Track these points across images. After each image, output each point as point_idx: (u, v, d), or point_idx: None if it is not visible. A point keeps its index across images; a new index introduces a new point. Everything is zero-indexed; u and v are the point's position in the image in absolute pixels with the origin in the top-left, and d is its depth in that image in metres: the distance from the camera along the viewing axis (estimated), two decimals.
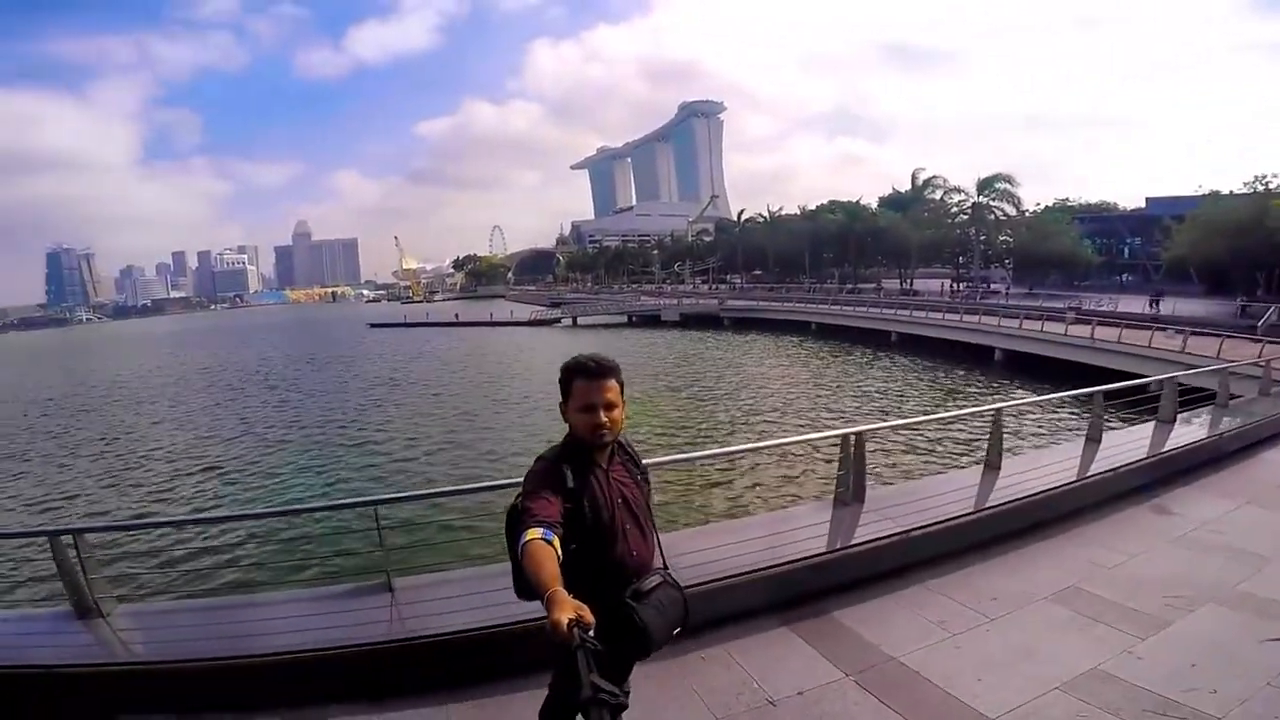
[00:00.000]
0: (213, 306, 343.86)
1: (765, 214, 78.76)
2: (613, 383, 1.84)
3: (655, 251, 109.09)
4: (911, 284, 55.23)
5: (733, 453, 8.71)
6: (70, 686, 2.84)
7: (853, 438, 4.54)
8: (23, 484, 14.43)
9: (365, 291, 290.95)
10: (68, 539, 3.33)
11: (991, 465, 5.32)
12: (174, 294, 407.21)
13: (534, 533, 1.59)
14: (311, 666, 2.91)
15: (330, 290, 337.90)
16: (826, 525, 4.30)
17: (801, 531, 4.12)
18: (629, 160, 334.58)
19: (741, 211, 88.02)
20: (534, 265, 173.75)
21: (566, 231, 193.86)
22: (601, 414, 1.81)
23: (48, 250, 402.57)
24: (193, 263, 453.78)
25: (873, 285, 57.94)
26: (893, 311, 34.43)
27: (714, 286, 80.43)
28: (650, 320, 51.62)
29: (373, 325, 65.41)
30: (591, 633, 1.28)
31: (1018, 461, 5.83)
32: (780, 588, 3.59)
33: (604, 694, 1.12)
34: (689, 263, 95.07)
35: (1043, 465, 5.50)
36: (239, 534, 9.34)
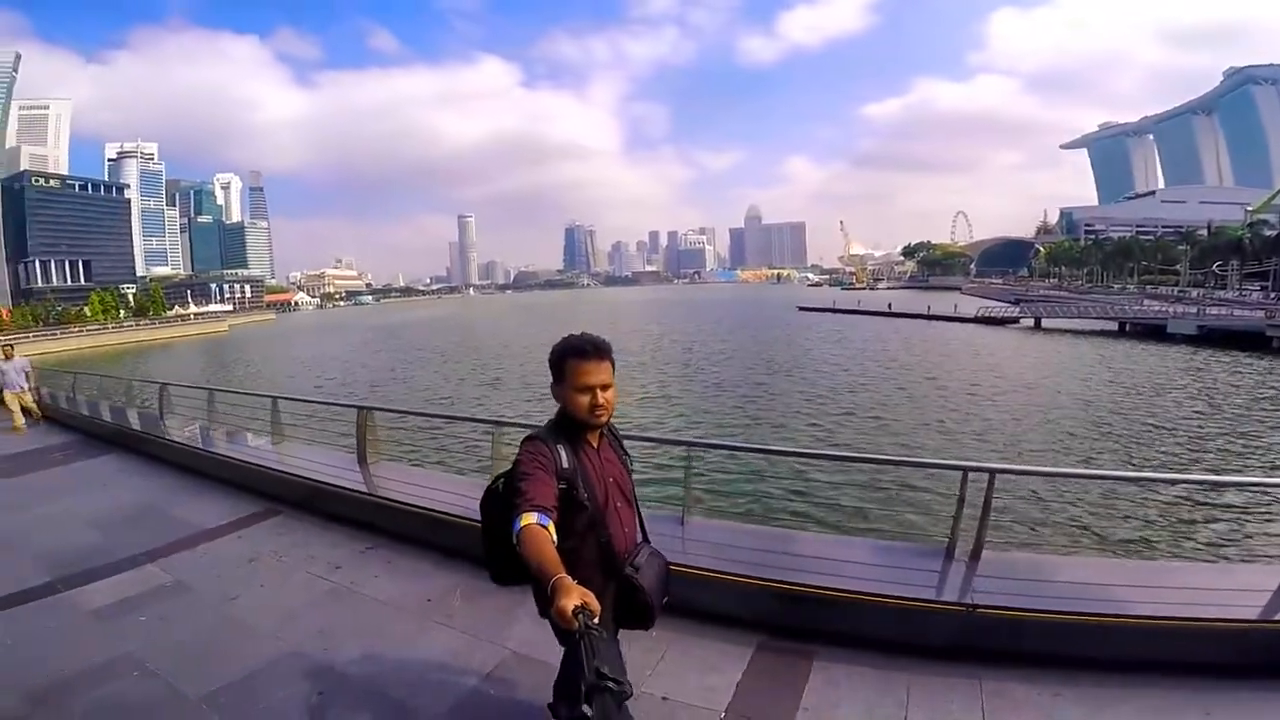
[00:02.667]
0: (675, 281, 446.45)
1: None
2: (607, 364, 2.04)
3: (1184, 246, 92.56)
4: None
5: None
6: None
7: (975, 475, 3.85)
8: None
9: (809, 275, 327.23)
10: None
11: None
12: (648, 268, 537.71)
13: (529, 518, 1.76)
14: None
15: (775, 271, 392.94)
16: None
17: None
18: (1150, 138, 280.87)
19: None
20: (1003, 256, 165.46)
21: (1052, 219, 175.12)
22: (599, 395, 2.01)
23: (566, 226, 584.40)
24: (663, 241, 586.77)
25: None
26: None
27: (1273, 294, 65.19)
28: (1150, 332, 44.25)
29: (801, 308, 77.57)
30: (596, 620, 1.41)
31: None
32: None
33: (608, 681, 1.23)
34: (1236, 263, 77.73)
35: None
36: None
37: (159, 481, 7.91)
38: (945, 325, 55.41)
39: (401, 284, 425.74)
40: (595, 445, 2.12)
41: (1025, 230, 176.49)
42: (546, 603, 1.53)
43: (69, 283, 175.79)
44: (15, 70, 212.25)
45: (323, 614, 4.27)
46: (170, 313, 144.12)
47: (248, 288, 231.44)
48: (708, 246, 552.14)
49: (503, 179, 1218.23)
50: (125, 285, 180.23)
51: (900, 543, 4.32)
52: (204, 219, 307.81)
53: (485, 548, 2.18)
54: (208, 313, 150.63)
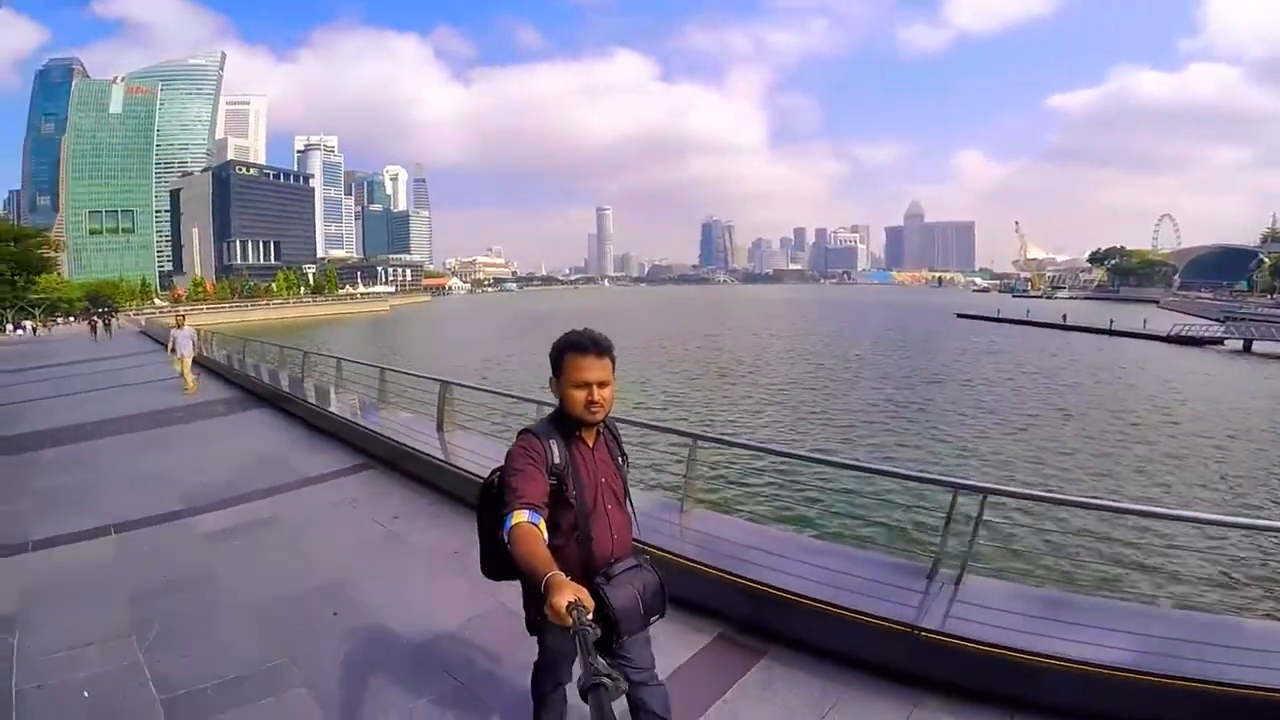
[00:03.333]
0: (822, 281, 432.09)
1: None
2: (607, 361, 2.05)
3: None
4: None
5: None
6: None
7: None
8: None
9: (977, 279, 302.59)
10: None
11: None
12: (791, 266, 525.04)
13: (520, 515, 1.79)
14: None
15: (936, 274, 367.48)
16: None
17: None
18: None
19: None
20: (1216, 266, 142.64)
21: None
22: (595, 391, 2.02)
23: (703, 221, 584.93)
24: (810, 238, 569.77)
25: None
26: None
27: None
28: None
29: (959, 315, 71.89)
30: (590, 616, 1.44)
31: None
32: None
33: (603, 678, 1.23)
34: None
35: None
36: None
37: (290, 435, 9.47)
38: (1128, 343, 48.69)
39: (543, 273, 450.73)
40: (590, 444, 2.13)
41: (1249, 238, 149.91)
42: (539, 600, 1.56)
43: (262, 261, 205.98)
44: (221, 69, 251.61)
45: (368, 554, 5.13)
46: (341, 291, 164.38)
47: (408, 271, 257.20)
48: (860, 245, 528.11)
49: (640, 172, 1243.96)
50: (307, 266, 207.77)
51: (890, 557, 4.17)
52: (375, 207, 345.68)
53: (481, 542, 2.24)
54: (372, 293, 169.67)
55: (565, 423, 2.09)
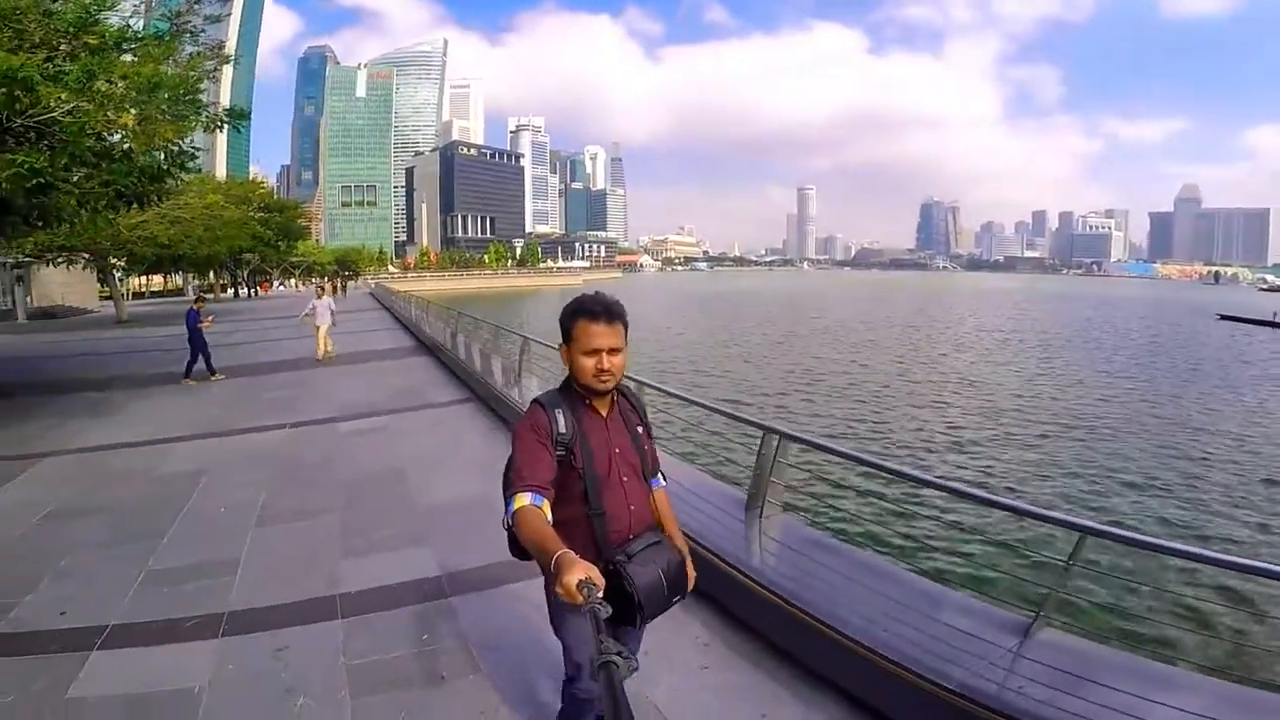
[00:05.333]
0: (1065, 271, 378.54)
1: None
2: (618, 327, 2.01)
3: None
4: None
5: None
6: None
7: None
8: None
9: (1268, 276, 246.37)
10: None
11: None
12: (1028, 253, 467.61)
13: (522, 499, 1.79)
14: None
15: (1212, 269, 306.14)
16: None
17: None
18: None
19: None
20: None
21: None
22: (605, 358, 1.98)
23: (922, 202, 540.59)
24: (1052, 223, 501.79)
25: None
26: None
27: None
28: None
29: (1222, 317, 58.22)
30: (600, 594, 1.45)
31: None
32: None
33: (613, 656, 1.25)
34: None
35: None
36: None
37: (436, 375, 11.95)
38: None
39: (736, 253, 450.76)
40: (604, 413, 2.10)
41: None
42: (552, 580, 1.57)
43: (479, 235, 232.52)
44: (445, 55, 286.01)
45: (438, 456, 6.89)
46: (541, 265, 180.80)
47: (603, 248, 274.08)
48: (1115, 232, 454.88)
49: (847, 150, 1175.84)
50: (516, 240, 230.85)
51: (979, 603, 3.32)
52: (576, 185, 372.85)
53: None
54: (567, 267, 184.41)
55: (575, 391, 2.07)
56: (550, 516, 1.80)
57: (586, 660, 2.10)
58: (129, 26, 9.29)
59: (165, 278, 60.59)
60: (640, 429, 2.20)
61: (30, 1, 8.09)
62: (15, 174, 7.57)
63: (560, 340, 2.07)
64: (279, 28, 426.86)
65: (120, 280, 34.90)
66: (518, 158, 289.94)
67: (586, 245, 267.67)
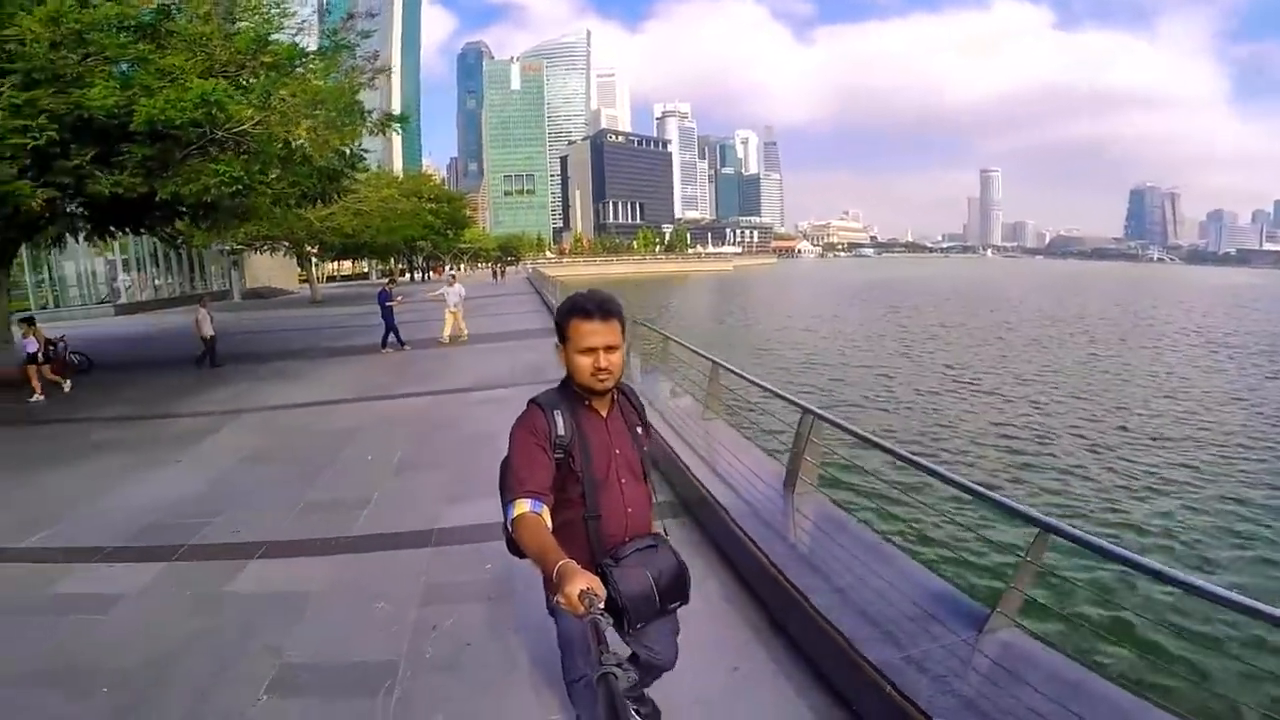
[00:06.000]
0: None
1: None
2: (614, 324, 1.97)
3: None
4: None
5: None
6: None
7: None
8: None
9: None
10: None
11: None
12: (1267, 246, 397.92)
13: (522, 505, 1.78)
14: None
15: None
16: None
17: None
18: None
19: None
20: None
21: None
22: (602, 356, 1.94)
23: (1132, 188, 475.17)
24: None
25: None
26: None
27: None
28: None
29: None
30: (602, 605, 1.46)
31: None
32: None
33: (612, 669, 1.25)
34: None
35: None
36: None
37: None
38: None
39: (908, 239, 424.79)
40: (603, 413, 2.08)
41: None
42: (552, 589, 1.58)
43: (629, 221, 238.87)
44: (588, 45, 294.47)
45: None
46: (689, 251, 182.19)
47: (756, 234, 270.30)
48: None
49: (1035, 131, 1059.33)
50: (665, 225, 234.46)
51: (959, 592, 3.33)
52: (726, 170, 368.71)
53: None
54: (717, 253, 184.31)
55: (573, 391, 2.05)
56: (550, 523, 1.80)
57: (569, 651, 2.23)
58: (296, 44, 10.95)
59: (353, 263, 69.29)
60: (640, 429, 2.19)
61: (214, 28, 9.88)
62: (219, 181, 9.36)
63: (556, 340, 2.05)
64: (437, 27, 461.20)
65: (315, 265, 40.40)
66: (665, 144, 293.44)
67: (738, 231, 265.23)
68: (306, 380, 11.78)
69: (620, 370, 2.01)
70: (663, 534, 2.15)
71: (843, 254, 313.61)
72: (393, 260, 56.99)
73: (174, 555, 4.52)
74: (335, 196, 15.60)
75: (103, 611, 3.78)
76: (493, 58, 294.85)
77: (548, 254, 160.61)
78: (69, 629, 3.62)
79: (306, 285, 38.85)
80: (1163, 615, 6.14)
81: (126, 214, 11.99)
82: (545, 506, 1.81)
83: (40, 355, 10.95)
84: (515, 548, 1.94)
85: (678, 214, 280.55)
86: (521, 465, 1.88)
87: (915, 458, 3.48)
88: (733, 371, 6.14)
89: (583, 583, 1.47)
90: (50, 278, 30.58)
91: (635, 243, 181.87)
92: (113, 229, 13.33)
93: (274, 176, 10.94)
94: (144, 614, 3.76)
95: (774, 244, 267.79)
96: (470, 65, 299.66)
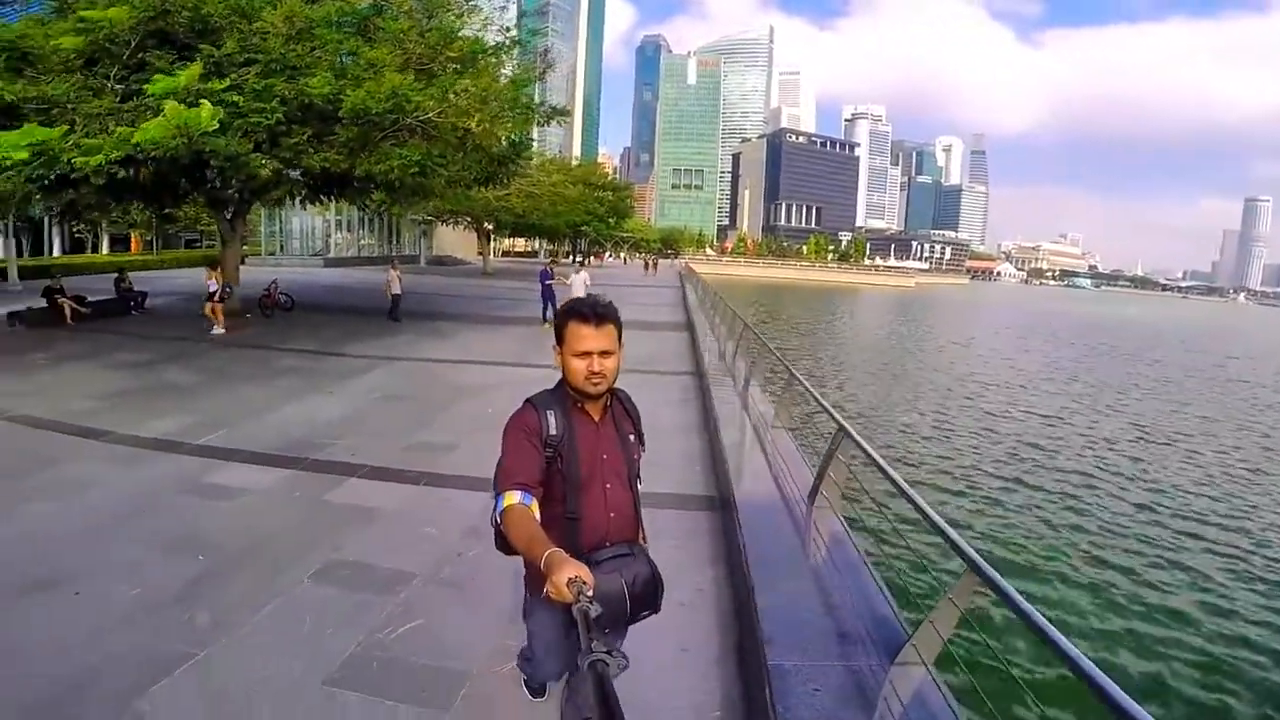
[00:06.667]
0: None
1: None
2: (609, 329, 2.03)
3: None
4: None
5: None
6: None
7: None
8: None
9: None
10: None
11: None
12: None
13: (511, 497, 1.86)
14: None
15: None
16: None
17: None
18: None
19: None
20: None
21: None
22: (596, 360, 2.00)
23: None
24: None
25: None
26: None
27: None
28: None
29: None
30: (591, 593, 1.49)
31: None
32: None
33: (603, 656, 1.28)
34: None
35: None
36: None
37: (679, 349, 13.45)
38: None
39: (1138, 272, 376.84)
40: (596, 418, 2.15)
41: None
42: (539, 580, 1.63)
43: (802, 225, 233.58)
44: (771, 42, 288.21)
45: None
46: (866, 262, 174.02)
47: (948, 250, 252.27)
48: None
49: None
50: (843, 233, 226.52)
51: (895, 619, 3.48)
52: (923, 179, 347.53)
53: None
54: (898, 267, 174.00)
55: (568, 394, 2.12)
56: (538, 515, 1.85)
57: (541, 650, 2.36)
58: (479, 40, 12.58)
59: (526, 241, 74.90)
60: (633, 436, 2.24)
61: (410, 25, 11.64)
62: (402, 163, 11.13)
63: (554, 343, 2.11)
64: (619, 18, 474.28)
65: (491, 240, 44.43)
66: (851, 146, 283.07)
67: (927, 245, 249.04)
68: (458, 340, 13.63)
69: (614, 375, 2.07)
70: (642, 543, 2.23)
71: (1051, 282, 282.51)
72: (557, 242, 60.92)
73: (299, 465, 5.76)
74: (506, 180, 17.57)
75: (230, 499, 5.02)
76: (670, 51, 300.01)
77: (707, 251, 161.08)
78: (200, 510, 4.84)
79: (481, 257, 42.76)
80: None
81: (333, 184, 14.41)
82: (535, 500, 1.88)
83: (219, 294, 13.25)
84: (503, 544, 2.08)
85: (859, 221, 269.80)
86: (513, 460, 1.97)
87: (908, 489, 3.34)
88: (800, 382, 6.30)
89: (572, 571, 1.51)
90: (280, 230, 37.05)
91: (805, 248, 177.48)
92: (322, 196, 16.03)
93: (449, 161, 12.72)
94: (257, 507, 4.96)
95: (969, 263, 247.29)
96: (648, 58, 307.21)
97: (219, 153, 9.36)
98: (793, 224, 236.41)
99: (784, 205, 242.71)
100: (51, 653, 3.23)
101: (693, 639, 3.53)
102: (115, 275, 16.44)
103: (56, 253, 34.69)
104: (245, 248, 38.03)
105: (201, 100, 8.61)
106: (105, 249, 37.93)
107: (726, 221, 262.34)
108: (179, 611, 3.57)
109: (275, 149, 10.97)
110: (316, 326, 14.51)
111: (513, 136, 14.39)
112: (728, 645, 3.54)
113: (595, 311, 2.01)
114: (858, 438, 4.26)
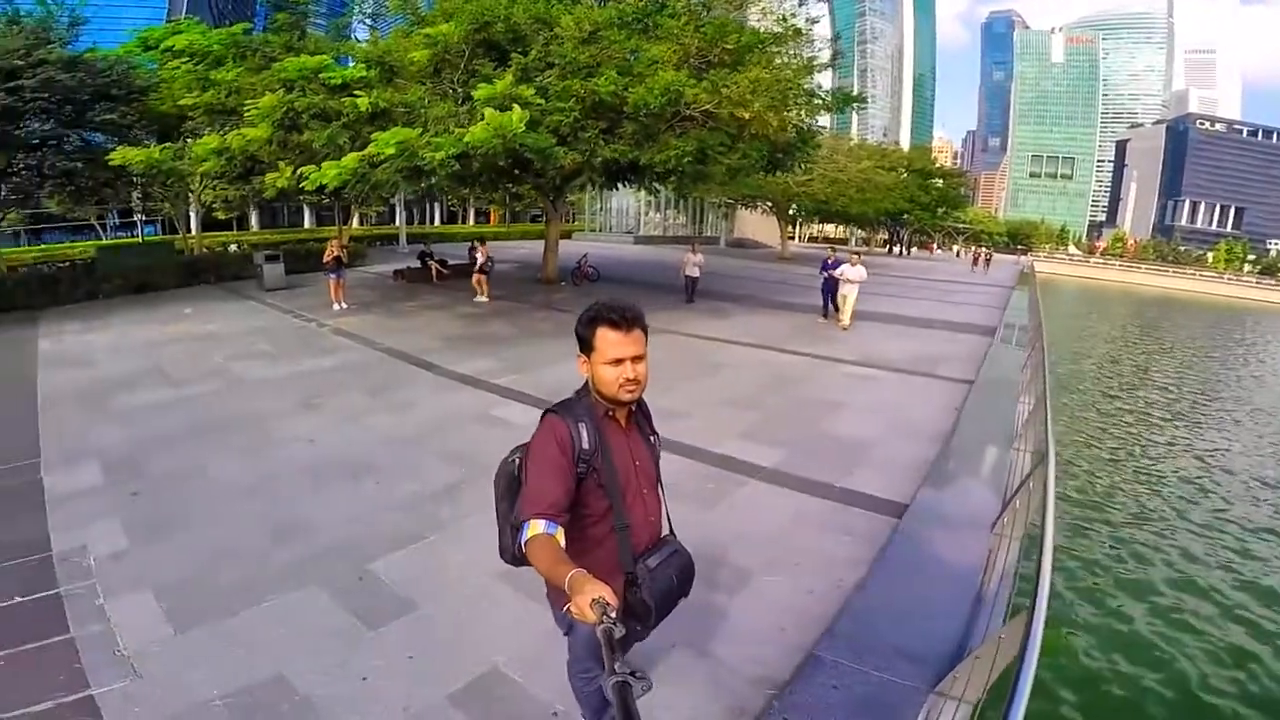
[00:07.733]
0: None
1: None
2: (638, 333, 2.03)
3: None
4: None
5: None
6: None
7: None
8: None
9: None
10: None
11: None
12: None
13: (536, 527, 1.82)
14: None
15: None
16: None
17: None
18: None
19: None
20: None
21: None
22: (630, 367, 2.00)
23: None
24: None
25: None
26: None
27: None
28: None
29: None
30: (615, 614, 1.50)
31: None
32: None
33: (628, 676, 1.30)
34: None
35: None
36: None
37: (966, 351, 12.22)
38: None
39: None
40: (624, 424, 2.12)
41: None
42: (562, 599, 1.66)
43: (1212, 227, 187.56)
44: (1170, 15, 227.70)
45: (877, 406, 8.36)
46: None
47: None
48: None
49: None
50: (1271, 240, 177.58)
51: None
52: None
53: (499, 527, 2.23)
54: None
55: (595, 402, 2.08)
56: (564, 543, 1.84)
57: (585, 655, 2.35)
58: (756, 32, 13.05)
59: (835, 228, 72.42)
60: (653, 436, 2.26)
61: (684, 22, 12.62)
62: (678, 153, 12.19)
63: (578, 350, 2.08)
64: None
65: (797, 224, 44.64)
66: None
67: None
68: (731, 320, 14.52)
69: (645, 382, 2.07)
70: (673, 535, 2.29)
71: None
72: (870, 230, 58.12)
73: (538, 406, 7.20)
74: (791, 167, 17.92)
75: (502, 429, 6.71)
76: (1027, 27, 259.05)
77: (1070, 249, 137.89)
78: (479, 435, 6.71)
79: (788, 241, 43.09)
80: None
81: (624, 172, 16.18)
82: (560, 528, 1.86)
83: (484, 267, 15.40)
84: (510, 557, 2.16)
85: None
86: (538, 484, 1.92)
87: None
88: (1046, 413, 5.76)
89: (594, 592, 1.54)
90: (602, 208, 42.60)
91: (1211, 254, 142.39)
92: (618, 184, 18.06)
93: (729, 150, 13.46)
94: (519, 438, 6.37)
95: None
96: (998, 35, 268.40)
97: (530, 147, 11.19)
98: (1198, 225, 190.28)
99: (1186, 203, 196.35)
100: (337, 522, 4.93)
101: (795, 623, 3.89)
102: (469, 245, 20.33)
103: (437, 223, 44.76)
104: (574, 224, 44.56)
105: (513, 105, 10.38)
106: (472, 221, 47.70)
107: (1103, 217, 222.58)
108: (433, 506, 5.16)
109: (575, 142, 12.66)
110: (614, 297, 16.62)
111: (800, 124, 14.69)
112: (817, 634, 3.76)
113: (624, 316, 2.02)
114: (1051, 475, 4.11)
